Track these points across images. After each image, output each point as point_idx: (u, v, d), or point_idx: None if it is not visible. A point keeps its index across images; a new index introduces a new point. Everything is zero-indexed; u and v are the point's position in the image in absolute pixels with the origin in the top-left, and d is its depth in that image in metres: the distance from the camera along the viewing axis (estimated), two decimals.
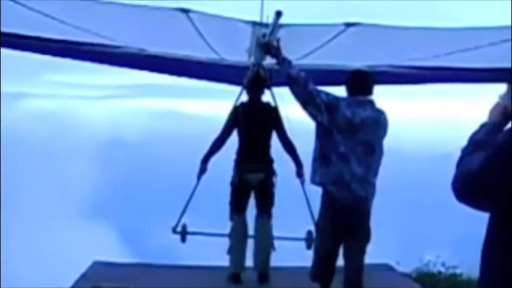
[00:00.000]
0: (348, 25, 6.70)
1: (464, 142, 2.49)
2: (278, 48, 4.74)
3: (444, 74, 5.49)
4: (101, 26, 5.52)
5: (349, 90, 4.81)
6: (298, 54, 5.50)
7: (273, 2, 5.89)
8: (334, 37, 6.54)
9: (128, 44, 5.30)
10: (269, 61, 5.49)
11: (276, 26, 4.74)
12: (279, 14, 4.70)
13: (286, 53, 4.75)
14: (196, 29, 6.36)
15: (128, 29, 5.93)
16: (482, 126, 2.44)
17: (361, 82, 4.81)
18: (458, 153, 2.48)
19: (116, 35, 5.41)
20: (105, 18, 5.94)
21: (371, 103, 4.78)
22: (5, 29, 4.42)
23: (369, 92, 4.81)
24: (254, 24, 6.59)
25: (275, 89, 6.39)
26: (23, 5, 5.18)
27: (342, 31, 6.62)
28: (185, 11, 6.61)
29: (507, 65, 5.04)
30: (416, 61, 5.61)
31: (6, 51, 4.97)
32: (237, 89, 6.62)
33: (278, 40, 4.78)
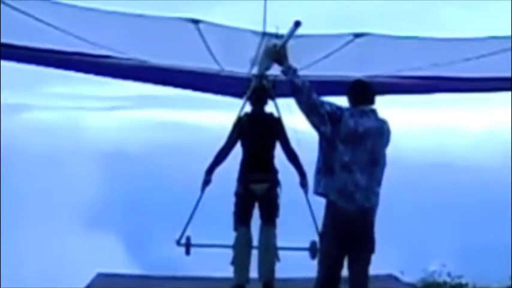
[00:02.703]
0: (356, 35, 6.70)
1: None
2: (285, 56, 4.73)
3: (449, 84, 5.51)
4: (109, 37, 5.52)
5: (351, 100, 4.81)
6: (304, 63, 5.50)
7: (279, 12, 5.90)
8: (342, 47, 6.54)
9: (132, 55, 5.29)
10: (273, 72, 5.50)
11: (292, 35, 4.70)
12: (297, 23, 4.63)
13: (292, 62, 4.75)
14: (203, 39, 6.36)
15: (133, 39, 5.92)
16: None
17: (363, 92, 4.80)
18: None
19: (124, 46, 5.40)
20: (114, 28, 5.93)
21: (374, 112, 4.78)
22: (4, 39, 4.38)
23: (371, 101, 4.80)
24: (264, 34, 6.59)
25: (283, 100, 6.39)
26: (28, 15, 5.16)
27: (350, 41, 6.63)
28: (195, 21, 6.61)
29: (507, 74, 5.06)
30: (423, 71, 5.62)
31: (7, 62, 4.96)
32: (239, 100, 6.64)
33: (285, 48, 4.76)
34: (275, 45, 4.84)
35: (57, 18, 5.32)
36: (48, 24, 5.22)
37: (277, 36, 5.57)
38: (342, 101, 4.84)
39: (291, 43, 4.79)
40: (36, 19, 5.17)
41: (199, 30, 6.49)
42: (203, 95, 7.32)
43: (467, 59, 5.69)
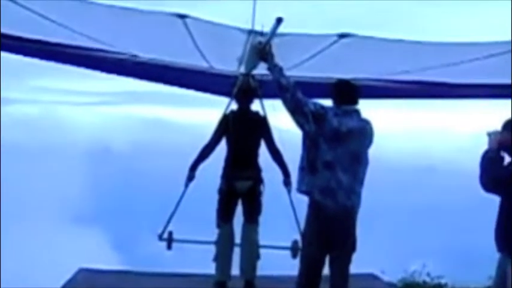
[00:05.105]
0: (341, 36, 6.73)
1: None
2: (271, 54, 4.76)
3: (435, 89, 5.54)
4: (95, 29, 5.49)
5: (335, 100, 4.85)
6: (289, 63, 5.53)
7: (266, 10, 5.91)
8: (326, 48, 6.57)
9: (120, 49, 5.28)
10: (259, 71, 5.51)
11: (275, 32, 4.73)
12: (279, 20, 4.65)
13: (277, 61, 4.77)
14: (191, 35, 6.37)
15: (121, 33, 5.91)
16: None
17: (347, 92, 4.85)
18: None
19: (110, 39, 5.38)
20: (101, 21, 5.91)
21: (357, 113, 4.83)
22: None
23: (355, 101, 4.85)
24: (250, 32, 6.60)
25: (267, 100, 6.41)
26: (20, 5, 5.13)
27: (335, 42, 6.65)
28: (182, 16, 6.60)
29: (497, 80, 5.12)
30: (407, 75, 5.65)
31: None
32: (225, 98, 6.65)
33: (271, 46, 4.79)
34: (260, 43, 4.87)
35: (46, 8, 5.29)
36: (38, 15, 5.19)
37: (262, 34, 5.59)
38: (326, 103, 4.88)
39: (275, 41, 4.81)
40: (27, 9, 5.15)
41: (186, 25, 6.50)
42: (189, 92, 7.31)
43: (455, 64, 5.73)
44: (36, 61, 5.50)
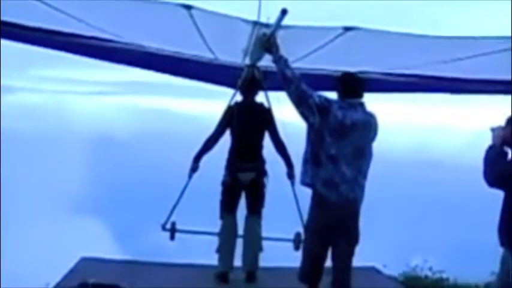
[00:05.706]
0: (347, 29, 6.72)
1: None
2: (276, 46, 4.76)
3: (439, 83, 5.54)
4: (101, 19, 5.49)
5: (340, 92, 4.85)
6: (294, 56, 5.53)
7: (271, 2, 5.91)
8: (331, 40, 6.56)
9: (126, 39, 5.28)
10: (264, 62, 5.51)
11: (280, 23, 4.74)
12: (284, 11, 4.67)
13: (283, 53, 4.77)
14: (196, 26, 6.37)
15: (127, 22, 5.90)
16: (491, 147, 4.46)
17: (352, 85, 4.85)
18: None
19: (116, 29, 5.38)
20: (107, 11, 5.90)
21: (362, 106, 4.83)
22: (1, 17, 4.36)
23: (360, 94, 4.85)
24: (255, 23, 6.60)
25: (272, 93, 6.41)
26: None
27: (340, 35, 6.64)
28: (188, 7, 6.60)
29: (502, 76, 5.11)
30: (412, 68, 5.65)
31: None
32: (230, 89, 6.65)
33: (275, 37, 4.80)
34: (265, 34, 4.88)
35: None
36: (44, 3, 5.19)
37: (267, 26, 5.59)
38: (331, 96, 4.88)
39: (280, 33, 4.81)
40: None
41: (191, 16, 6.50)
42: (194, 82, 7.32)
43: (461, 59, 5.72)
44: (39, 50, 5.50)
